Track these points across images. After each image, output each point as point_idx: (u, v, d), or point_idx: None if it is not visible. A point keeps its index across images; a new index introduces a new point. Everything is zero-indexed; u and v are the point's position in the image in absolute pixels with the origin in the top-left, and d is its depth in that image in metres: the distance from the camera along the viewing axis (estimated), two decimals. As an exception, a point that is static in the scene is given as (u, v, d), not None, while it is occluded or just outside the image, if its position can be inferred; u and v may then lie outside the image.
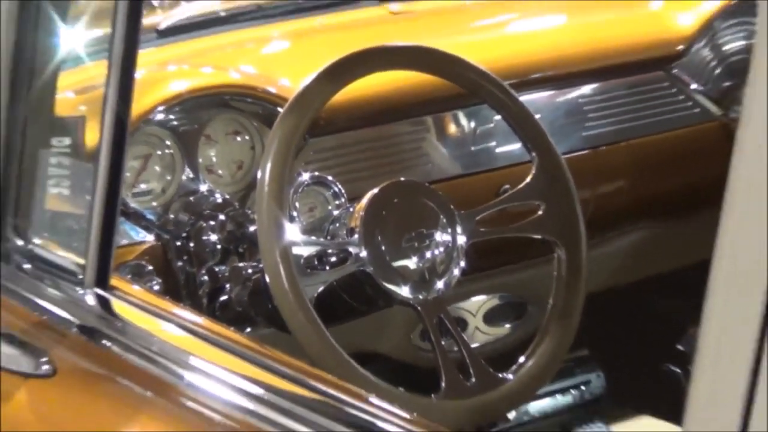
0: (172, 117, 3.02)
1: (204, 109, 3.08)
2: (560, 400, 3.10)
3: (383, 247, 2.83)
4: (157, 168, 2.99)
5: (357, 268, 2.81)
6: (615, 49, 3.53)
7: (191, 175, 2.99)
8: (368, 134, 3.19)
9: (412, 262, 2.85)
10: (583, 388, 3.11)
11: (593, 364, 3.12)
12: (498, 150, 3.29)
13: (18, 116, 2.45)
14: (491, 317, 3.10)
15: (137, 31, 2.32)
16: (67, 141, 2.58)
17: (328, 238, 2.91)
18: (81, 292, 2.36)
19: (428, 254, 2.87)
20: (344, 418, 2.03)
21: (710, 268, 1.61)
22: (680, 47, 3.51)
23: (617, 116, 3.41)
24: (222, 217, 2.95)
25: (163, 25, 3.24)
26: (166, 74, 3.06)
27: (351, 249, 2.81)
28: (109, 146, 2.30)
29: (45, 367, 2.31)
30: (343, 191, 2.99)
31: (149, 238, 2.92)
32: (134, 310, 2.34)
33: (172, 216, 2.96)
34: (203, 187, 3.01)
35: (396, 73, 3.04)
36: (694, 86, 3.44)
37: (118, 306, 2.33)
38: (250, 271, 2.88)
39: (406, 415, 2.03)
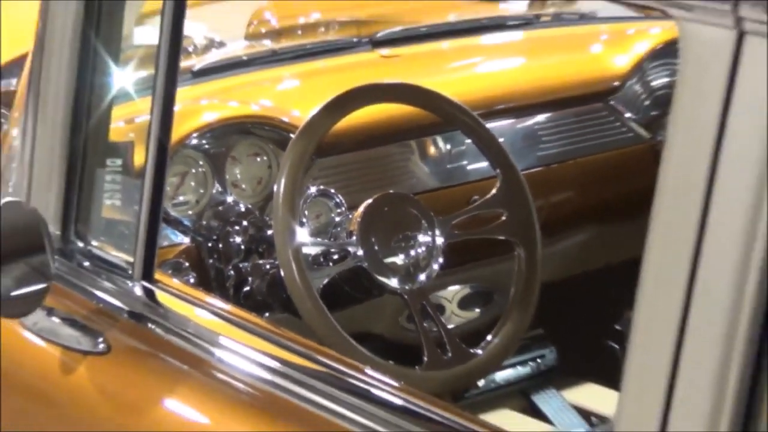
0: (204, 142, 3.03)
1: (230, 135, 3.08)
2: (520, 370, 3.12)
3: (376, 247, 2.85)
4: (192, 183, 3.01)
5: (355, 264, 2.83)
6: (563, 85, 3.54)
7: (220, 189, 3.01)
8: (364, 155, 3.19)
9: (399, 259, 2.87)
10: (538, 360, 3.14)
11: (547, 341, 3.14)
12: (469, 167, 3.30)
13: (79, 142, 2.46)
14: (464, 303, 3.11)
15: (176, 71, 2.34)
16: (119, 162, 2.60)
17: (332, 239, 2.94)
18: (130, 284, 2.38)
19: (413, 252, 2.88)
20: (345, 386, 2.06)
21: (642, 263, 1.67)
22: (616, 83, 3.54)
23: (565, 140, 3.43)
24: (245, 223, 2.97)
25: (196, 67, 3.25)
26: (199, 107, 3.08)
27: (350, 248, 2.84)
28: (153, 166, 2.32)
29: (101, 346, 2.33)
30: (343, 201, 3.00)
31: (186, 240, 2.93)
32: (174, 299, 2.36)
33: (204, 222, 2.97)
34: (230, 199, 3.01)
35: (386, 106, 3.05)
36: (627, 115, 3.47)
37: (160, 296, 2.35)
38: (268, 266, 2.90)
39: (395, 384, 2.05)
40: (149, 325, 2.35)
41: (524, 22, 3.90)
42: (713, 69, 1.62)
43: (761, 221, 1.58)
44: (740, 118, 1.61)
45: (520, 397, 3.03)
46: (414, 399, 1.99)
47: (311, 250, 2.85)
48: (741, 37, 1.57)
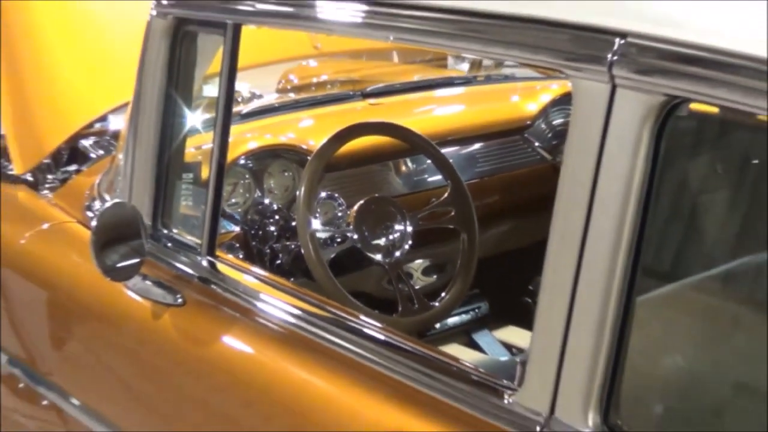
0: (249, 162, 3.04)
1: (266, 157, 3.08)
2: (464, 317, 3.11)
3: (366, 233, 2.87)
4: (241, 190, 3.01)
5: (351, 244, 2.86)
6: (492, 123, 3.53)
7: (259, 194, 3.02)
8: (357, 171, 3.19)
9: (382, 241, 2.90)
10: (476, 311, 3.13)
11: (482, 297, 3.14)
12: (429, 179, 3.29)
13: (164, 162, 2.48)
14: (426, 272, 3.11)
15: (230, 115, 2.36)
16: (191, 175, 2.63)
17: (336, 228, 2.94)
18: (199, 258, 2.39)
19: (391, 237, 2.91)
20: (344, 326, 2.11)
21: (546, 244, 1.72)
22: (528, 122, 3.54)
23: (494, 160, 3.42)
24: (277, 217, 2.99)
25: (243, 112, 3.26)
26: (245, 139, 3.08)
27: (348, 234, 2.86)
28: (214, 178, 2.35)
29: (179, 300, 2.38)
30: (344, 202, 3.00)
31: (236, 229, 2.94)
32: (228, 268, 2.39)
33: (249, 217, 2.98)
34: (266, 201, 3.01)
35: (372, 137, 3.05)
36: (536, 144, 3.47)
37: (219, 266, 2.38)
38: (292, 246, 2.92)
39: (379, 325, 2.07)
40: (212, 286, 2.37)
41: (465, 81, 3.93)
42: (594, 111, 1.64)
43: (628, 217, 1.61)
44: (613, 144, 1.62)
45: (464, 335, 3.05)
46: (392, 336, 2.02)
47: (322, 235, 2.86)
48: (613, 89, 1.61)
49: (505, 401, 1.76)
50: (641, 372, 1.74)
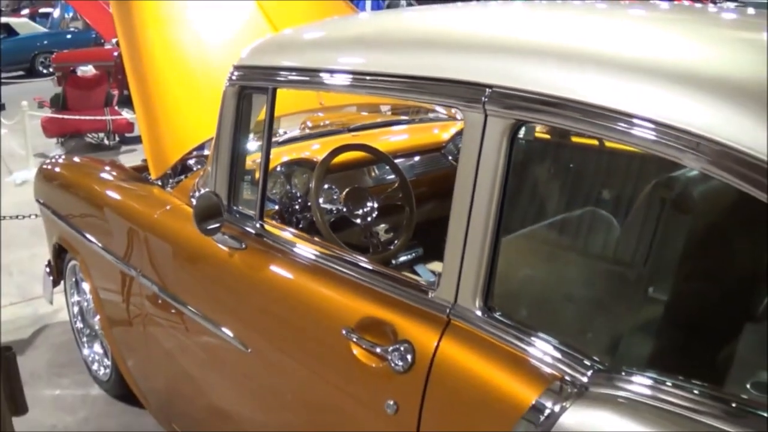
0: (282, 169, 2.99)
1: (292, 166, 3.03)
2: (408, 257, 3.08)
3: (351, 208, 2.84)
4: (278, 185, 2.96)
5: (342, 214, 2.83)
6: (424, 144, 3.48)
7: (288, 187, 2.96)
8: (345, 173, 3.11)
9: (360, 212, 2.86)
10: (415, 253, 3.09)
11: (418, 244, 3.08)
12: (387, 177, 3.22)
13: (234, 169, 2.45)
14: (386, 230, 3.05)
15: (270, 143, 2.34)
16: (248, 177, 2.59)
17: (333, 205, 2.87)
18: (255, 222, 2.32)
19: (365, 210, 2.87)
20: (340, 259, 2.07)
21: (451, 210, 1.71)
22: (444, 144, 3.49)
23: (424, 166, 3.38)
24: (299, 200, 2.94)
25: (279, 140, 3.23)
26: (280, 154, 3.03)
27: (340, 208, 2.83)
28: (262, 180, 2.31)
29: (243, 246, 2.33)
30: (338, 190, 2.93)
31: (276, 207, 2.88)
32: (271, 228, 2.34)
33: (282, 200, 2.91)
34: (294, 191, 2.95)
35: (354, 153, 3.01)
36: (449, 157, 3.43)
37: (266, 227, 2.33)
38: (308, 216, 2.87)
39: (362, 259, 2.04)
40: (262, 237, 2.31)
41: (409, 121, 3.85)
42: (476, 131, 1.65)
43: (495, 193, 1.63)
44: (486, 150, 1.63)
45: (408, 267, 3.01)
46: (367, 264, 2.00)
47: (325, 208, 2.80)
48: (486, 118, 1.62)
49: (429, 296, 1.77)
50: (504, 277, 1.74)
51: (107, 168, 3.54)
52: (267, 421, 2.29)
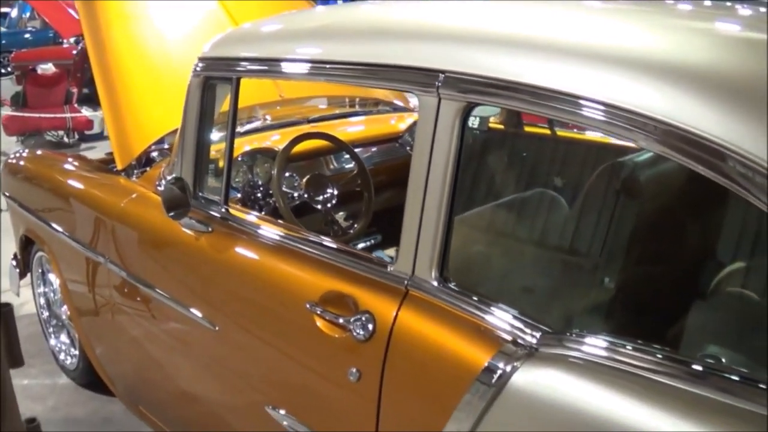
0: (245, 159, 3.03)
1: (254, 155, 3.06)
2: (367, 242, 3.09)
3: (312, 194, 2.89)
4: (241, 173, 2.98)
5: (304, 200, 2.87)
6: (381, 134, 3.52)
7: (251, 176, 2.98)
8: (305, 163, 3.14)
9: (321, 198, 2.91)
10: (374, 240, 3.14)
11: (377, 232, 3.11)
12: (346, 167, 3.26)
13: (200, 160, 2.47)
14: (345, 217, 3.09)
15: (234, 131, 2.37)
16: (212, 166, 2.63)
17: (294, 191, 2.91)
18: (219, 207, 2.34)
19: (326, 196, 2.92)
20: (302, 240, 2.10)
21: (408, 190, 1.75)
22: (401, 134, 3.53)
23: (382, 155, 3.42)
24: (261, 188, 2.97)
25: (242, 131, 3.24)
26: (241, 144, 3.04)
27: (302, 194, 2.88)
28: (227, 166, 2.34)
29: (209, 229, 2.34)
30: (298, 178, 2.96)
31: (239, 195, 2.90)
32: (236, 212, 2.36)
33: (246, 188, 2.94)
34: (256, 179, 2.97)
35: (314, 141, 3.06)
36: (406, 146, 3.46)
37: (231, 210, 2.35)
38: (272, 202, 2.90)
39: (325, 240, 2.06)
40: (228, 221, 2.33)
41: (366, 112, 3.90)
42: (430, 113, 1.69)
43: (449, 171, 1.67)
44: (440, 131, 1.68)
45: (368, 252, 3.02)
46: (329, 243, 2.03)
47: (287, 192, 2.85)
48: (440, 100, 1.66)
49: (388, 269, 1.80)
50: (459, 251, 1.78)
51: (72, 160, 3.55)
52: (234, 395, 2.31)
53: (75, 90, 9.89)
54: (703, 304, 1.84)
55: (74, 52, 10.03)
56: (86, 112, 9.31)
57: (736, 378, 1.28)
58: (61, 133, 9.46)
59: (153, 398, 2.87)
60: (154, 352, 2.73)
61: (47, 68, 9.46)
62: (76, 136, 9.53)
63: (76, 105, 9.57)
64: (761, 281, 1.83)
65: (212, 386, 2.41)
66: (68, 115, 9.19)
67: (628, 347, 1.41)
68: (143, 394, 2.95)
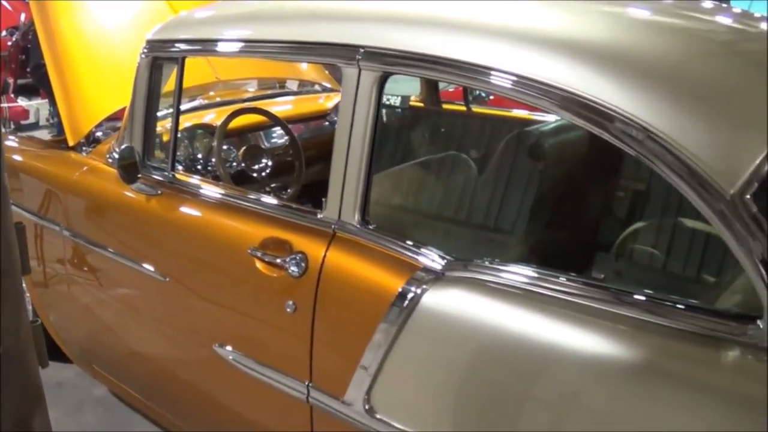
0: (186, 133, 3.09)
1: (195, 130, 3.13)
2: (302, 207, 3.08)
3: (249, 163, 3.02)
4: (184, 147, 3.04)
5: (241, 168, 2.99)
6: (311, 112, 3.64)
7: (191, 150, 3.05)
8: (240, 138, 3.22)
9: (257, 168, 3.04)
10: (309, 204, 3.15)
11: (308, 195, 2.97)
12: (279, 142, 3.33)
13: (148, 130, 2.54)
14: (278, 187, 3.12)
15: (180, 103, 2.46)
16: (159, 139, 2.70)
17: (232, 161, 3.02)
18: (167, 173, 2.42)
19: (261, 165, 3.06)
20: (242, 198, 2.21)
21: (332, 154, 1.89)
22: (329, 112, 3.62)
23: (311, 132, 3.50)
24: (201, 160, 3.05)
25: (183, 108, 3.24)
26: (185, 120, 3.08)
27: (240, 163, 3.00)
28: (173, 139, 2.44)
29: (159, 192, 2.42)
30: (234, 150, 3.07)
31: (180, 168, 2.86)
32: (183, 176, 2.45)
33: (187, 162, 3.01)
34: (196, 153, 3.06)
35: (250, 116, 3.18)
36: (334, 120, 3.48)
37: (177, 175, 2.43)
38: (212, 168, 2.97)
39: (268, 198, 2.18)
40: (174, 184, 2.41)
41: (297, 92, 3.98)
42: (352, 83, 1.83)
43: (368, 133, 1.80)
44: (360, 98, 1.81)
45: None
46: (267, 200, 2.14)
47: (226, 160, 2.94)
48: (360, 71, 1.83)
49: (318, 216, 1.93)
50: (378, 197, 1.91)
51: (21, 140, 3.57)
52: (184, 339, 2.37)
53: (11, 81, 9.80)
54: (607, 256, 2.04)
55: (9, 43, 9.92)
56: (22, 102, 9.23)
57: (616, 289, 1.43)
58: (-4, 123, 9.38)
59: (108, 356, 2.89)
60: (108, 310, 2.74)
61: (-18, 59, 9.36)
62: (12, 126, 9.44)
63: (12, 95, 9.49)
64: (663, 238, 2.00)
65: (164, 334, 2.46)
66: (5, 105, 9.10)
67: (528, 271, 1.53)
68: (98, 353, 2.95)
